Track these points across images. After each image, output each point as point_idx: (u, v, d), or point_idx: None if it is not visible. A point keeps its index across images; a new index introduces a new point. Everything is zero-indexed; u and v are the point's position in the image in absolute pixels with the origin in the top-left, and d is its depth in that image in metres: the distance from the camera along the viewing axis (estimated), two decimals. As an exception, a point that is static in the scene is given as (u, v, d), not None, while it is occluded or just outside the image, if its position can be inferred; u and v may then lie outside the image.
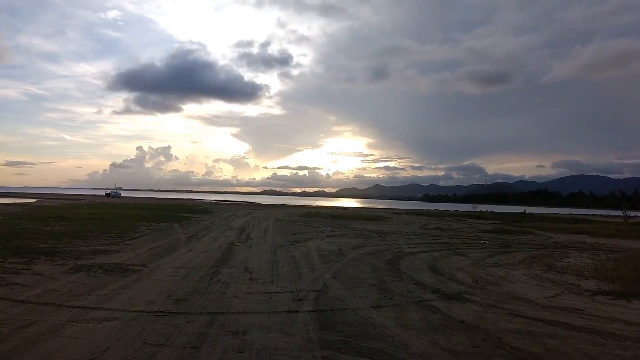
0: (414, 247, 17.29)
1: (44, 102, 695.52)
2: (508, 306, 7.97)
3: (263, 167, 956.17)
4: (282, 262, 12.54)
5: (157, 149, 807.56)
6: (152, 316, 6.64)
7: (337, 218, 38.38)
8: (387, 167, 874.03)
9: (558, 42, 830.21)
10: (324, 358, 5.17)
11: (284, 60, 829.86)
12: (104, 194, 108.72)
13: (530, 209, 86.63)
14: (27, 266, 10.23)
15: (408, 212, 59.39)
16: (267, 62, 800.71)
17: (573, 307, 8.07)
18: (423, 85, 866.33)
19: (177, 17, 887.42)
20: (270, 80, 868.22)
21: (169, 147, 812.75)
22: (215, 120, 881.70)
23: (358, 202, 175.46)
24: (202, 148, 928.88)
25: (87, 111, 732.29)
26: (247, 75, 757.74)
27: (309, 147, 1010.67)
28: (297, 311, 7.17)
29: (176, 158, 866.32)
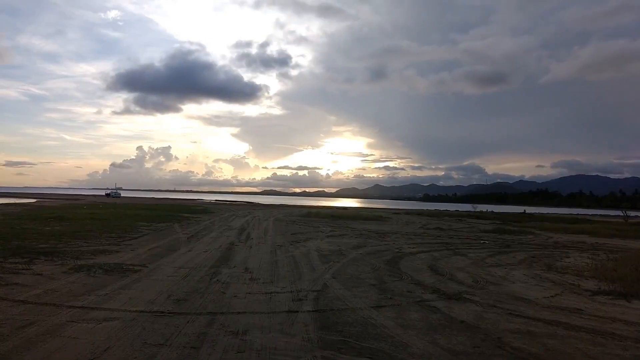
0: (414, 247, 17.29)
1: (44, 102, 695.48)
2: (508, 306, 7.98)
3: (263, 167, 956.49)
4: (282, 262, 12.54)
5: (157, 149, 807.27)
6: (152, 316, 6.64)
7: (337, 218, 38.39)
8: (387, 167, 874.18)
9: (556, 43, 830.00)
10: (324, 358, 5.17)
11: (282, 61, 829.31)
12: (104, 194, 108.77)
13: (530, 209, 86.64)
14: (27, 266, 10.23)
15: (408, 212, 59.40)
16: (266, 62, 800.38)
17: (573, 307, 8.07)
18: (422, 85, 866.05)
19: (177, 17, 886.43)
20: (270, 80, 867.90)
21: (169, 147, 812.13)
22: (215, 120, 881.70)
23: (358, 202, 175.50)
24: (202, 148, 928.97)
25: (87, 111, 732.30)
26: (247, 75, 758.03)
27: (309, 147, 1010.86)
28: (297, 311, 7.17)
29: (176, 158, 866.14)
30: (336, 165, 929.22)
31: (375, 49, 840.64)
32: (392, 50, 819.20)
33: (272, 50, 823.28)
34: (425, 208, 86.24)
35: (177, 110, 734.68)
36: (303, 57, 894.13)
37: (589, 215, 76.52)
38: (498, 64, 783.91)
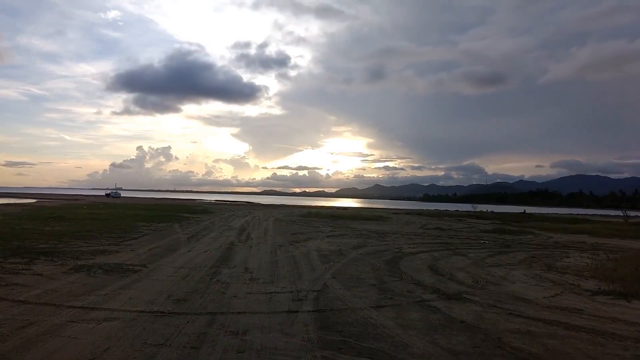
0: (414, 247, 17.29)
1: (44, 102, 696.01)
2: (508, 306, 7.98)
3: (263, 167, 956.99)
4: (282, 262, 12.54)
5: (157, 149, 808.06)
6: (152, 316, 6.64)
7: (337, 218, 38.39)
8: (387, 167, 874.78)
9: (554, 43, 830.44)
10: (324, 358, 5.17)
11: (281, 62, 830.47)
12: (104, 194, 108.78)
13: (530, 209, 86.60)
14: (27, 266, 10.23)
15: (408, 212, 59.39)
16: (265, 63, 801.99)
17: (573, 307, 8.07)
18: (420, 86, 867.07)
19: (176, 18, 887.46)
20: (269, 81, 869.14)
21: (169, 147, 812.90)
22: (215, 121, 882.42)
23: (358, 202, 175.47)
24: (202, 148, 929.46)
25: (87, 111, 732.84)
26: (246, 76, 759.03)
27: (309, 147, 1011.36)
28: (297, 311, 7.17)
29: (176, 158, 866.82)
30: (336, 165, 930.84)
31: (374, 50, 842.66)
32: (391, 51, 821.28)
33: (271, 51, 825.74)
34: (425, 208, 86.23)
35: (177, 110, 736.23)
36: (302, 58, 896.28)
37: (589, 215, 76.50)
38: (497, 64, 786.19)
